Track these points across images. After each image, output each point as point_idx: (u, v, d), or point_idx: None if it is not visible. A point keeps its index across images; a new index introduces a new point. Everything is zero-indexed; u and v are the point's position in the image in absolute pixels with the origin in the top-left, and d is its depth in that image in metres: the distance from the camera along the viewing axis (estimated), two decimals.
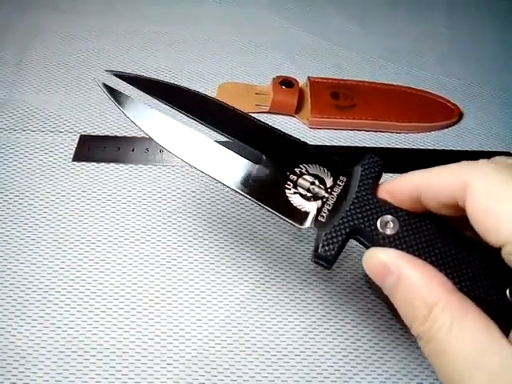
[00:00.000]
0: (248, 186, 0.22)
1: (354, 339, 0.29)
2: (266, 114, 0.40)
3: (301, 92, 0.40)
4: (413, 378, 0.27)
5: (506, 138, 0.40)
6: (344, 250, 0.21)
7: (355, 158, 0.38)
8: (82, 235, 0.32)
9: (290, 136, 0.23)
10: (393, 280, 0.18)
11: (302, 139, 0.38)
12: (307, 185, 0.22)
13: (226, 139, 0.23)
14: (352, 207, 0.21)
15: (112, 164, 0.36)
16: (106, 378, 0.27)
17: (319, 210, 0.21)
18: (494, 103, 0.43)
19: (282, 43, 0.47)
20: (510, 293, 0.18)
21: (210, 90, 0.42)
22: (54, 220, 0.33)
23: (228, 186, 0.22)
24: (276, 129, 0.23)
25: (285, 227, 0.33)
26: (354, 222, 0.20)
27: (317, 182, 0.22)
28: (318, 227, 0.21)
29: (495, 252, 0.17)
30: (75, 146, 0.37)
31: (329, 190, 0.22)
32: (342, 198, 0.21)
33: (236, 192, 0.22)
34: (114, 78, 0.24)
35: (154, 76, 0.43)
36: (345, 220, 0.21)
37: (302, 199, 0.22)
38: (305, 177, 0.22)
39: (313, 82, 0.41)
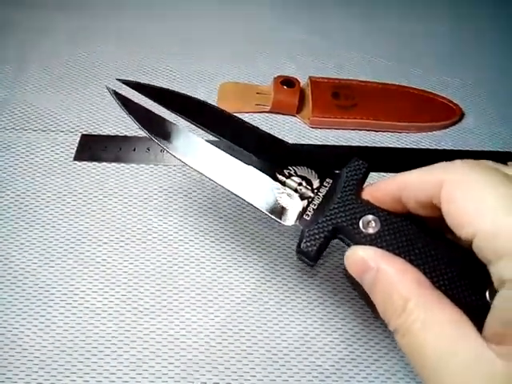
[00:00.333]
0: (238, 185, 0.24)
1: (355, 339, 0.29)
2: (266, 114, 0.40)
3: (302, 92, 0.40)
4: (414, 377, 0.27)
5: (508, 137, 0.40)
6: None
7: (356, 157, 0.38)
8: (83, 234, 0.32)
9: (282, 140, 0.25)
10: (371, 276, 0.19)
11: (303, 139, 0.39)
12: (294, 185, 0.23)
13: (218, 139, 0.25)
14: (336, 207, 0.22)
15: (113, 164, 0.36)
16: (107, 377, 0.27)
17: (305, 209, 0.23)
18: (496, 103, 0.43)
19: (283, 43, 0.47)
20: (489, 294, 0.18)
21: (210, 89, 0.42)
22: (55, 219, 0.33)
23: (220, 185, 0.24)
24: (268, 133, 0.25)
25: (286, 229, 0.33)
26: (337, 220, 0.22)
27: (304, 183, 0.23)
28: (302, 225, 0.23)
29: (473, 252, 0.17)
30: (76, 145, 0.37)
31: (315, 191, 0.23)
32: (327, 198, 0.23)
33: (228, 191, 0.24)
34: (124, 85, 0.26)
35: (154, 76, 0.43)
36: (328, 218, 0.22)
37: (289, 199, 0.23)
38: (293, 178, 0.24)
39: (314, 82, 0.41)
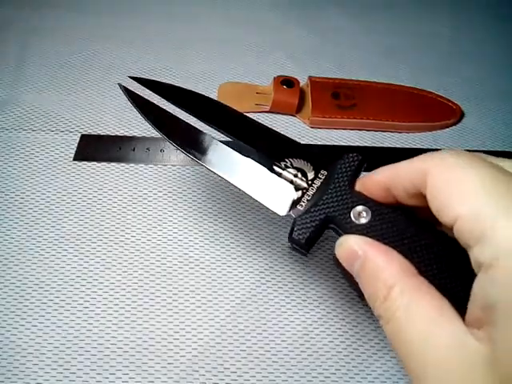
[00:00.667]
0: (236, 176, 0.25)
1: (355, 339, 0.29)
2: (266, 114, 0.40)
3: (301, 92, 0.40)
4: None
5: (508, 137, 0.40)
6: None
7: None
8: (82, 234, 0.32)
9: (279, 133, 0.26)
10: (359, 263, 0.19)
11: (303, 139, 0.39)
12: (290, 177, 0.24)
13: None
14: (328, 197, 0.22)
15: (113, 163, 0.36)
16: (107, 378, 0.27)
17: (299, 200, 0.23)
18: (496, 103, 0.43)
19: (283, 43, 0.47)
20: None
21: (210, 89, 0.42)
22: (54, 219, 0.33)
23: (218, 175, 0.25)
24: (266, 126, 0.26)
25: (285, 227, 0.33)
26: (329, 210, 0.22)
27: (299, 175, 0.24)
28: (295, 215, 0.23)
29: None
30: (76, 145, 0.37)
31: (309, 182, 0.24)
32: (321, 189, 0.23)
33: (226, 181, 0.25)
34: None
35: (155, 76, 0.43)
36: (320, 208, 0.22)
37: (284, 189, 0.24)
38: (289, 170, 0.24)
39: (313, 82, 0.41)
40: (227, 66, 0.44)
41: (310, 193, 0.23)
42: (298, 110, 0.40)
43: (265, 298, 0.30)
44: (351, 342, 0.29)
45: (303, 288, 0.31)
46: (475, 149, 0.39)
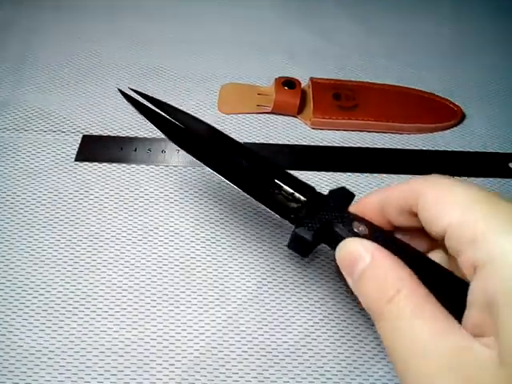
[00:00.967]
0: (240, 182, 0.25)
1: (356, 340, 0.29)
2: (268, 115, 0.40)
3: (303, 93, 0.40)
4: None
5: (509, 138, 0.40)
6: None
7: (357, 158, 0.38)
8: (84, 235, 0.32)
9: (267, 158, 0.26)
10: (364, 265, 0.20)
11: (304, 140, 0.39)
12: (290, 190, 0.25)
13: None
14: (328, 208, 0.23)
15: (114, 164, 0.36)
16: (108, 378, 0.27)
17: (300, 208, 0.24)
18: (497, 104, 0.43)
19: (285, 44, 0.47)
20: None
21: (212, 90, 0.42)
22: (56, 220, 0.33)
23: (223, 180, 0.25)
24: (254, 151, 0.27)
25: (286, 229, 0.33)
26: (331, 216, 0.23)
27: (290, 198, 0.25)
28: (296, 223, 0.24)
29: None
30: (77, 145, 0.37)
31: (303, 203, 0.25)
32: (317, 207, 0.24)
33: (229, 185, 0.25)
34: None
35: (156, 77, 0.43)
36: (319, 218, 0.23)
37: (284, 199, 0.25)
38: (282, 191, 0.25)
39: (315, 83, 0.41)
40: (229, 66, 0.44)
41: (309, 206, 0.24)
42: (299, 110, 0.40)
43: (267, 299, 0.30)
44: (352, 343, 0.29)
45: (304, 290, 0.31)
46: (476, 150, 0.39)
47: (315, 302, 0.30)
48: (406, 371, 0.17)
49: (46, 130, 0.38)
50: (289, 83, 0.40)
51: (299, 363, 0.28)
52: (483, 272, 0.17)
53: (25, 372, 0.27)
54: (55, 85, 0.41)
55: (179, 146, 0.26)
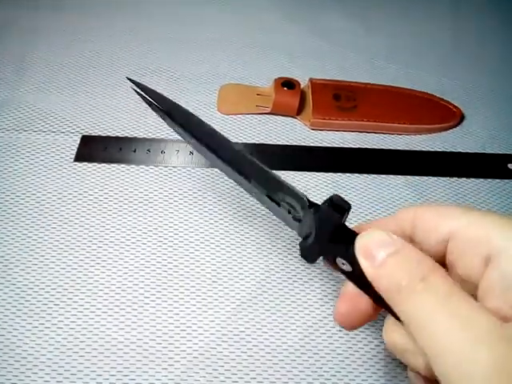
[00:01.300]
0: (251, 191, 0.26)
1: (357, 340, 0.29)
2: (267, 116, 0.41)
3: (302, 93, 0.40)
4: None
5: (508, 140, 0.40)
6: None
7: (356, 159, 0.38)
8: (83, 235, 0.32)
9: (268, 171, 0.25)
10: (393, 248, 0.20)
11: (303, 141, 0.39)
12: (287, 207, 0.24)
13: None
14: (316, 240, 0.23)
15: (113, 164, 0.36)
16: (107, 379, 0.27)
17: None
18: (496, 105, 0.43)
19: (284, 44, 0.47)
20: None
21: (211, 91, 0.42)
22: (55, 220, 0.33)
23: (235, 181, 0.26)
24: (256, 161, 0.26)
25: (285, 230, 0.33)
26: (320, 250, 0.23)
27: (292, 211, 0.24)
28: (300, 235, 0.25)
29: None
30: (77, 146, 0.37)
31: (303, 217, 0.24)
32: (312, 225, 0.23)
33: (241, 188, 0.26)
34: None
35: (156, 77, 0.43)
36: (313, 244, 0.23)
37: (288, 208, 0.25)
38: (282, 204, 0.25)
39: (314, 84, 0.41)
40: (228, 67, 0.44)
41: (306, 224, 0.24)
42: (298, 111, 0.40)
43: (266, 300, 0.30)
44: (352, 344, 0.29)
45: (304, 290, 0.31)
46: (475, 151, 0.39)
47: (315, 302, 0.30)
48: (441, 350, 0.17)
49: (45, 130, 0.38)
50: (288, 84, 0.40)
51: (299, 363, 0.28)
52: (499, 259, 0.18)
53: (23, 372, 0.27)
54: (55, 85, 0.41)
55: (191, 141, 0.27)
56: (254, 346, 0.28)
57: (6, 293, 0.29)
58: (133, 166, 0.36)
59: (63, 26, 0.47)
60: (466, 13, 0.53)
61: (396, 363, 0.28)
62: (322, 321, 0.29)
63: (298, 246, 0.24)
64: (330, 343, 0.29)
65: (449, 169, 0.38)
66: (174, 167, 0.36)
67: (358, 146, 0.39)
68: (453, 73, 0.46)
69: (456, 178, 0.37)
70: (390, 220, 0.23)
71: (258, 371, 0.27)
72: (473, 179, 0.37)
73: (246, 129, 0.39)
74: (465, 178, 0.37)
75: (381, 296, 0.20)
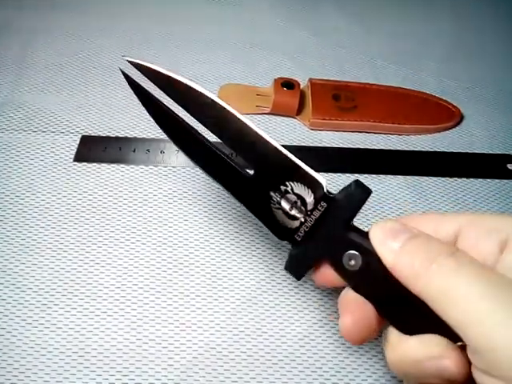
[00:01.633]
0: (240, 196, 0.24)
1: None
2: (267, 116, 0.41)
3: (302, 93, 0.40)
4: None
5: (507, 140, 0.40)
6: None
7: (356, 159, 0.38)
8: (82, 235, 0.32)
9: (282, 152, 0.24)
10: (410, 234, 0.20)
11: (303, 141, 0.39)
12: (288, 206, 0.23)
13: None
14: (322, 238, 0.22)
15: (113, 165, 0.36)
16: (107, 379, 0.27)
17: (297, 229, 0.23)
18: (496, 106, 0.43)
19: (284, 44, 0.47)
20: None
21: (211, 91, 0.41)
22: (55, 220, 0.33)
23: (226, 191, 0.24)
24: (272, 143, 0.24)
25: None
26: (321, 252, 0.23)
27: (299, 203, 0.23)
28: (292, 245, 0.23)
29: None
30: (76, 146, 0.37)
31: (308, 213, 0.23)
32: (318, 223, 0.23)
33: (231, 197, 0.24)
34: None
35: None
36: (313, 247, 0.23)
37: (284, 216, 0.23)
38: (288, 196, 0.23)
39: (314, 84, 0.41)
40: (228, 67, 0.44)
41: (308, 225, 0.23)
42: (298, 111, 0.40)
43: (265, 300, 0.30)
44: (348, 346, 0.29)
45: (304, 290, 0.31)
46: (475, 151, 0.39)
47: (315, 302, 0.30)
48: (476, 320, 0.17)
49: (44, 130, 0.38)
50: (288, 84, 0.40)
51: (299, 363, 0.28)
52: None
53: (23, 372, 0.27)
54: (54, 85, 0.41)
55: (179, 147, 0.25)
56: (253, 346, 0.28)
57: (5, 293, 0.29)
58: (132, 166, 0.36)
59: (63, 26, 0.47)
60: (465, 13, 0.53)
61: None
62: (321, 321, 0.29)
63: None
64: (329, 343, 0.29)
65: (448, 169, 0.38)
66: (173, 167, 0.36)
67: (357, 146, 0.39)
68: (452, 73, 0.46)
69: (455, 178, 0.37)
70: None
71: (257, 371, 0.27)
72: (472, 179, 0.37)
73: None
74: (464, 178, 0.37)
75: (387, 299, 0.20)
